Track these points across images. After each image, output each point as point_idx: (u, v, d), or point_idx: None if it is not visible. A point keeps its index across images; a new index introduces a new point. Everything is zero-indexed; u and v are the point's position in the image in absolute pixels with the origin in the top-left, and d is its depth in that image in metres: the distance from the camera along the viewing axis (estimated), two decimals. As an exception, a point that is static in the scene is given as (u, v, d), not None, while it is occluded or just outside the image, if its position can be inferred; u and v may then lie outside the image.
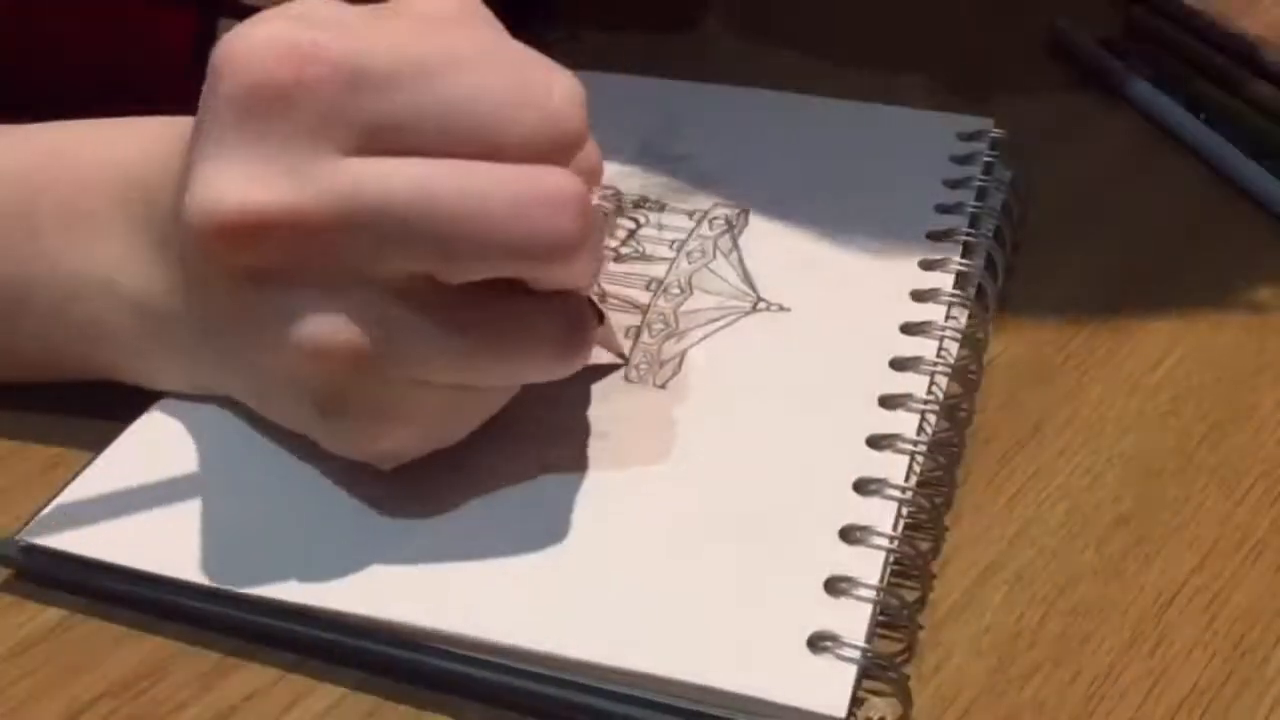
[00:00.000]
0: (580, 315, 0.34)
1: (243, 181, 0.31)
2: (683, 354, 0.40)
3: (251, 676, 0.34)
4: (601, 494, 0.36)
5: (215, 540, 0.35)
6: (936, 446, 0.37)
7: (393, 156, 0.31)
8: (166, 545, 0.35)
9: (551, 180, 0.31)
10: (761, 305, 0.42)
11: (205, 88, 0.32)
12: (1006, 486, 0.38)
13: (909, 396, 0.38)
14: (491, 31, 0.34)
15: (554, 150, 0.32)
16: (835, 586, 0.33)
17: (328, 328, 0.32)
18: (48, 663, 0.34)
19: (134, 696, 0.33)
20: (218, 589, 0.34)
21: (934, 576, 0.35)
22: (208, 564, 0.34)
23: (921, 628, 0.34)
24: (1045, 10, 0.59)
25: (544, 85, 0.32)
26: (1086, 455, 0.39)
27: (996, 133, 0.49)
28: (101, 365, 0.38)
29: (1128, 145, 0.52)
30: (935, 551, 0.36)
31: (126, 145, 0.37)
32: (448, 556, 0.34)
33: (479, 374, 0.33)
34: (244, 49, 0.31)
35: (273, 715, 0.33)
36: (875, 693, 0.32)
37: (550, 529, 0.35)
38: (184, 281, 0.35)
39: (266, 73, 0.31)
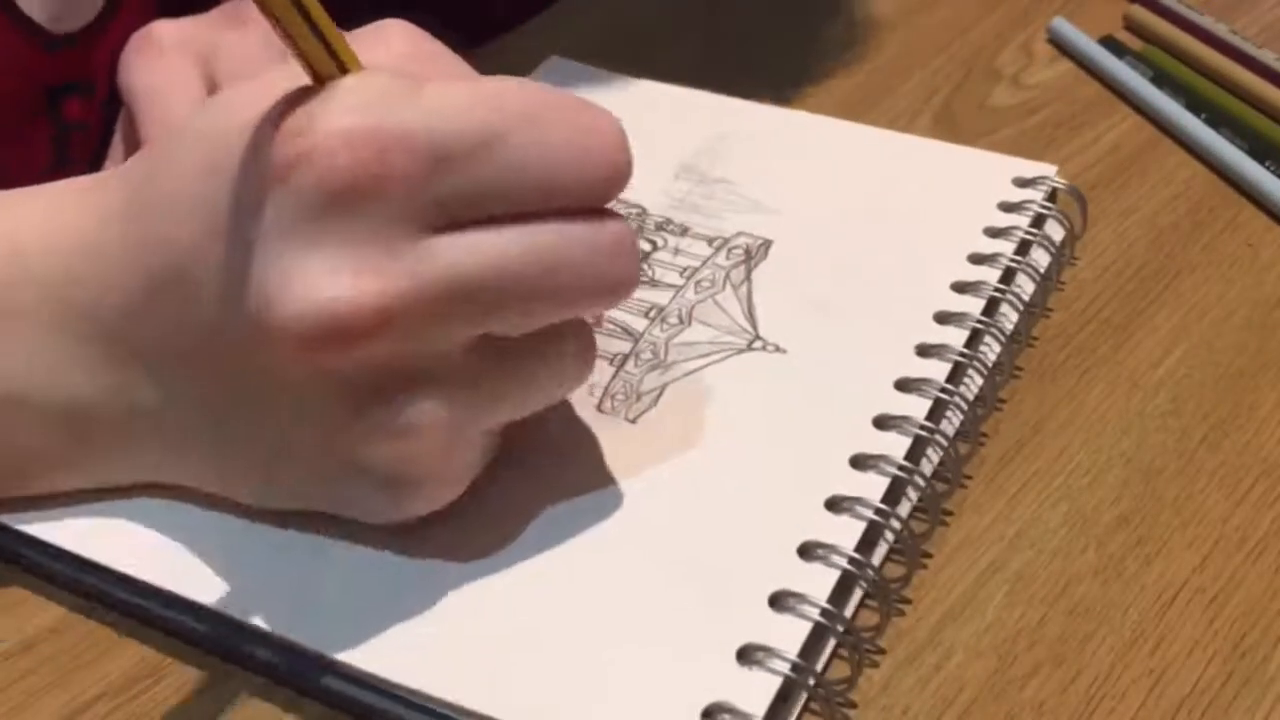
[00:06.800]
0: (586, 329, 0.34)
1: (340, 278, 0.29)
2: (663, 388, 0.39)
3: (251, 676, 0.34)
4: (548, 523, 0.35)
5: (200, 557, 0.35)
6: (926, 461, 0.37)
7: (472, 226, 0.30)
8: (159, 553, 0.35)
9: (611, 227, 0.32)
10: (757, 344, 0.40)
11: (261, 177, 0.30)
12: (1007, 486, 0.38)
13: (882, 458, 0.36)
14: (517, 82, 0.32)
15: (611, 190, 0.32)
16: (782, 603, 0.33)
17: (426, 411, 0.31)
18: (48, 663, 0.34)
19: (134, 696, 0.33)
20: (202, 605, 0.34)
21: (906, 603, 0.35)
22: (195, 579, 0.34)
23: (884, 651, 0.34)
24: (1045, 10, 0.59)
25: (595, 130, 0.31)
26: (1086, 455, 0.39)
27: (1057, 182, 0.46)
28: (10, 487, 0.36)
29: (1128, 145, 0.52)
30: (906, 580, 0.36)
31: (18, 230, 0.34)
32: (396, 588, 0.34)
33: (529, 408, 0.34)
34: (323, 143, 0.29)
35: (272, 716, 0.33)
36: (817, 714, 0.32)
37: (487, 560, 0.34)
38: (183, 376, 0.33)
39: (350, 169, 0.29)
